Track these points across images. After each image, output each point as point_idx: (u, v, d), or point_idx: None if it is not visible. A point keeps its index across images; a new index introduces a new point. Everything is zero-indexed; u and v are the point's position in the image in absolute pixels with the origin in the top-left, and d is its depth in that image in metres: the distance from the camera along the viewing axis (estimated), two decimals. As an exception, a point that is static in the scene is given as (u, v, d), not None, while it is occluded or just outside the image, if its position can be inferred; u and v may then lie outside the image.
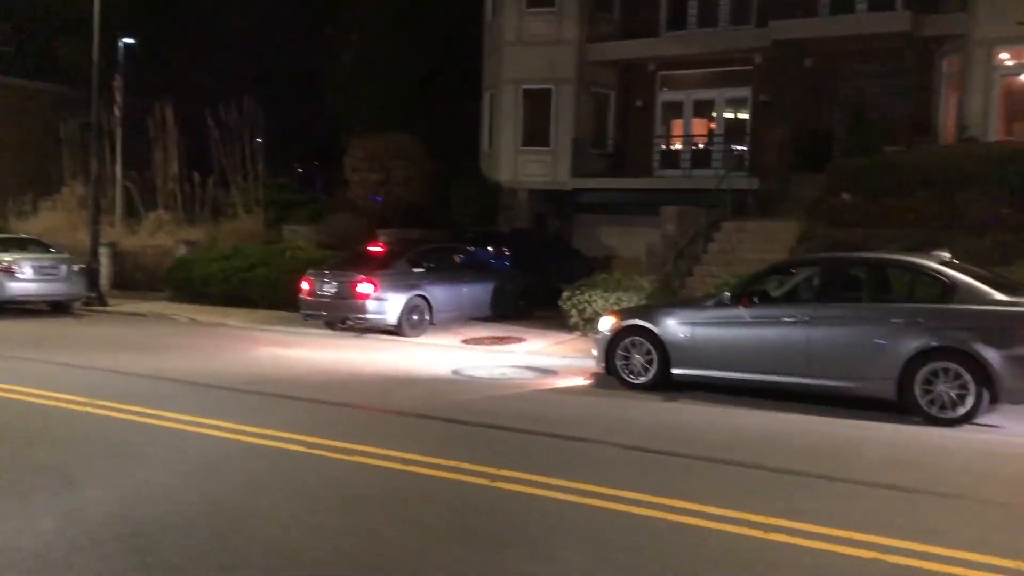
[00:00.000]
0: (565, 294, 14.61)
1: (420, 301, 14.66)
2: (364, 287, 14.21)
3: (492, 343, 13.73)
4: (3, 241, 18.01)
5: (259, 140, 23.20)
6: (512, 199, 23.44)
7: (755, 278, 10.13)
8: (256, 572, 4.51)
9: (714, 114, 23.31)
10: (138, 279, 21.61)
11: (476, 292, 15.95)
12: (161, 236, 22.56)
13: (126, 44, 24.98)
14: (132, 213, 23.95)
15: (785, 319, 9.27)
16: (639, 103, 23.66)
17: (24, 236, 19.51)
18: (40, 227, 23.36)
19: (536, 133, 23.44)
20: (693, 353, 9.71)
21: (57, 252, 18.15)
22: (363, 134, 23.23)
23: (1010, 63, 17.97)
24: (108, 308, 18.22)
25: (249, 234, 21.79)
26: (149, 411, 8.19)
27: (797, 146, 20.10)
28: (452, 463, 6.51)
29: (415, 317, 14.56)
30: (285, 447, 7.02)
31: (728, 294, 9.85)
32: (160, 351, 12.37)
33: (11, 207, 25.41)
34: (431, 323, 14.73)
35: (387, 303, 14.27)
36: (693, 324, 9.80)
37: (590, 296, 14.14)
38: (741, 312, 9.55)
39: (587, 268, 19.86)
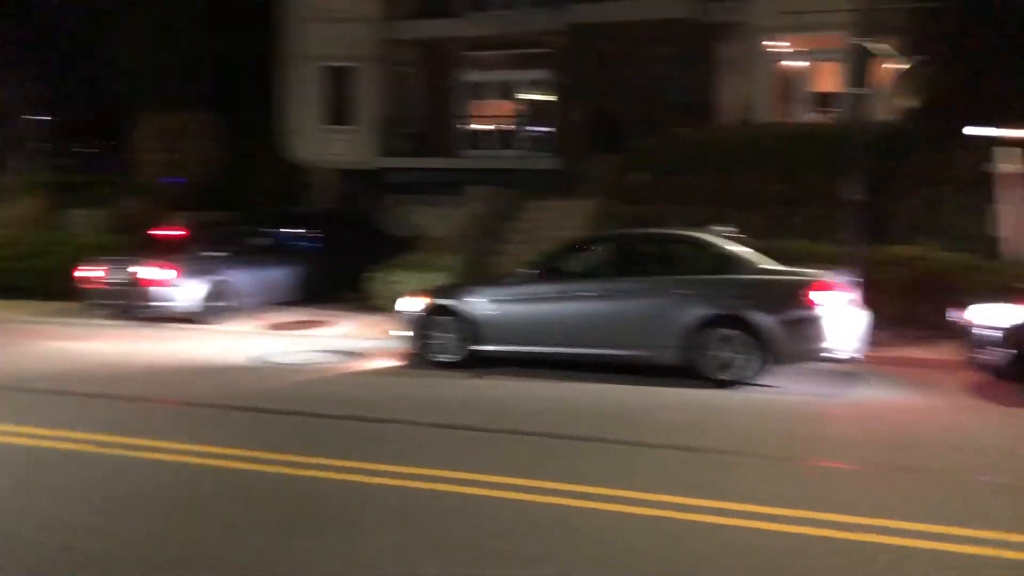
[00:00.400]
0: (373, 275, 14.53)
1: (222, 286, 14.09)
2: (160, 273, 13.49)
3: (298, 327, 13.45)
4: None
5: (35, 117, 21.37)
6: (317, 179, 22.93)
7: (554, 255, 10.50)
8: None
9: (517, 95, 23.76)
10: None
11: (281, 275, 15.50)
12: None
13: None
14: None
15: (582, 293, 9.70)
16: (443, 83, 23.74)
17: None
18: None
19: (339, 112, 23.04)
20: (497, 329, 9.96)
21: None
22: (154, 111, 21.93)
23: (783, 50, 19.46)
24: None
25: (29, 220, 20.09)
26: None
27: (595, 127, 20.88)
28: (255, 454, 6.37)
29: (217, 303, 13.97)
30: (73, 447, 6.60)
31: (529, 271, 10.17)
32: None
33: None
34: (234, 308, 14.19)
35: (185, 289, 13.61)
36: (497, 301, 10.05)
37: (398, 277, 14.13)
38: (542, 288, 9.89)
39: (395, 249, 19.80)
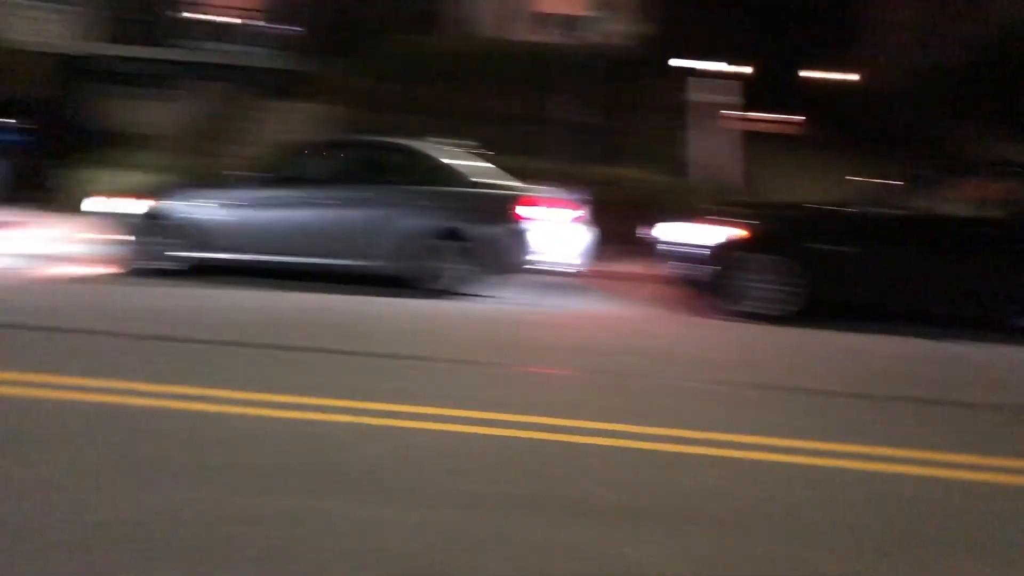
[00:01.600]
0: (71, 173, 13.14)
1: None
2: None
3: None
4: None
5: None
6: (10, 61, 20.20)
7: (273, 160, 10.03)
8: None
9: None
10: None
11: None
12: None
13: None
14: None
15: (298, 200, 9.38)
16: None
17: None
18: None
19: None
20: (219, 236, 9.42)
21: None
22: None
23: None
24: None
25: None
26: None
27: (334, 30, 20.03)
28: None
29: None
30: None
31: (246, 175, 9.66)
32: None
33: None
34: None
35: None
36: (220, 206, 9.47)
37: (98, 176, 12.90)
38: (258, 194, 9.45)
39: (95, 145, 18.02)
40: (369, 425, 5.00)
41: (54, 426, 4.79)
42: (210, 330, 7.20)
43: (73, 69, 20.96)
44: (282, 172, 9.79)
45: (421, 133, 12.29)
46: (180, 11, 21.59)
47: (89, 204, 9.93)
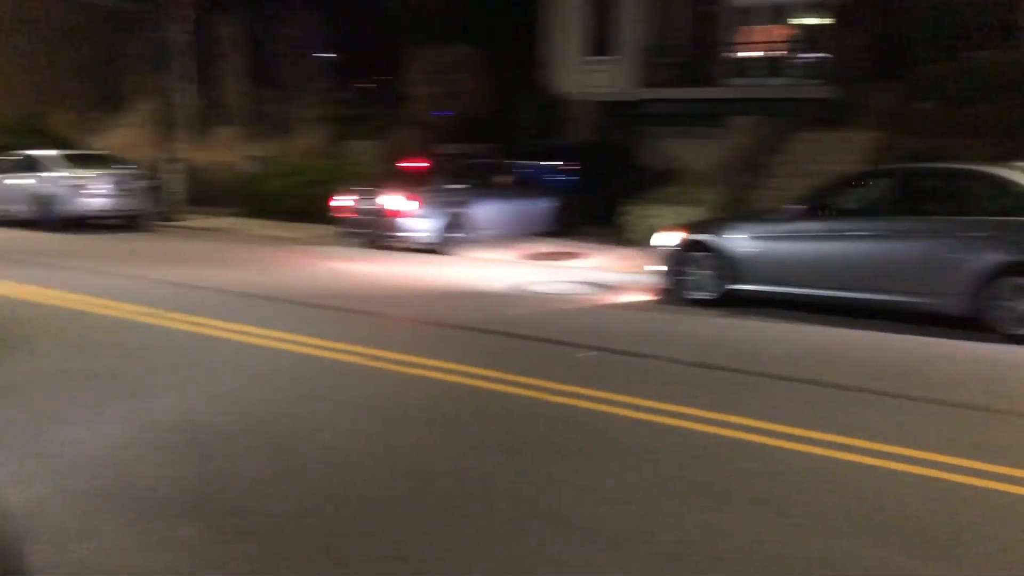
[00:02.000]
0: (627, 208, 14.37)
1: (460, 218, 14.44)
2: (402, 204, 14.02)
3: (552, 259, 13.65)
4: (80, 157, 18.46)
5: (321, 55, 23.01)
6: (575, 111, 22.99)
7: (825, 191, 9.78)
8: (313, 476, 4.62)
9: (789, 19, 22.27)
10: (208, 194, 21.97)
11: (523, 208, 15.66)
12: (230, 152, 22.81)
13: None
14: (203, 129, 24.18)
15: (854, 233, 8.97)
16: (710, 8, 22.73)
17: (99, 152, 19.94)
18: (112, 143, 23.86)
19: (601, 42, 22.80)
20: (759, 268, 9.49)
21: (131, 168, 18.53)
22: (424, 47, 22.89)
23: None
24: (180, 223, 18.63)
25: (314, 150, 21.90)
26: (214, 323, 8.39)
27: (876, 52, 19.13)
28: (509, 376, 6.54)
29: (454, 234, 14.35)
30: (344, 359, 7.13)
31: (796, 207, 9.55)
32: (228, 265, 12.62)
33: (84, 124, 25.97)
34: (472, 240, 14.55)
35: (425, 220, 14.09)
36: (759, 238, 9.55)
37: (653, 211, 13.89)
38: (809, 226, 9.26)
39: (651, 182, 19.51)
40: (947, 482, 4.53)
41: (616, 441, 5.21)
42: (755, 361, 7.24)
43: (620, 114, 23.10)
44: (831, 203, 9.50)
45: (985, 157, 11.00)
46: (722, 52, 22.44)
47: (653, 238, 10.65)
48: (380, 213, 14.29)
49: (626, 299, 10.40)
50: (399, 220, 14.10)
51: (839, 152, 15.50)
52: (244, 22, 23.96)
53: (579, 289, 10.91)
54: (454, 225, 14.29)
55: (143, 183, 17.97)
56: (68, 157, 18.21)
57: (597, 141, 22.09)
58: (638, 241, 14.14)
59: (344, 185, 15.58)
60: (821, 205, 9.42)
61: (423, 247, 14.22)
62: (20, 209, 17.46)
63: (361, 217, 14.59)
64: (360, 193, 14.69)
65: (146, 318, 8.70)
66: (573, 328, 8.48)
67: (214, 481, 4.56)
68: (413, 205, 13.99)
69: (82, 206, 16.99)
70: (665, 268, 10.21)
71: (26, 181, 17.48)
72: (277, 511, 4.20)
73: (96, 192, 17.07)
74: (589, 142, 21.33)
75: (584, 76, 22.97)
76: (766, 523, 4.09)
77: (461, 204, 14.43)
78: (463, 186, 14.77)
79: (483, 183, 15.26)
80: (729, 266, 9.64)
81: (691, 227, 10.50)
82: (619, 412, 5.74)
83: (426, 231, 14.12)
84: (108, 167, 18.14)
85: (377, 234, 14.57)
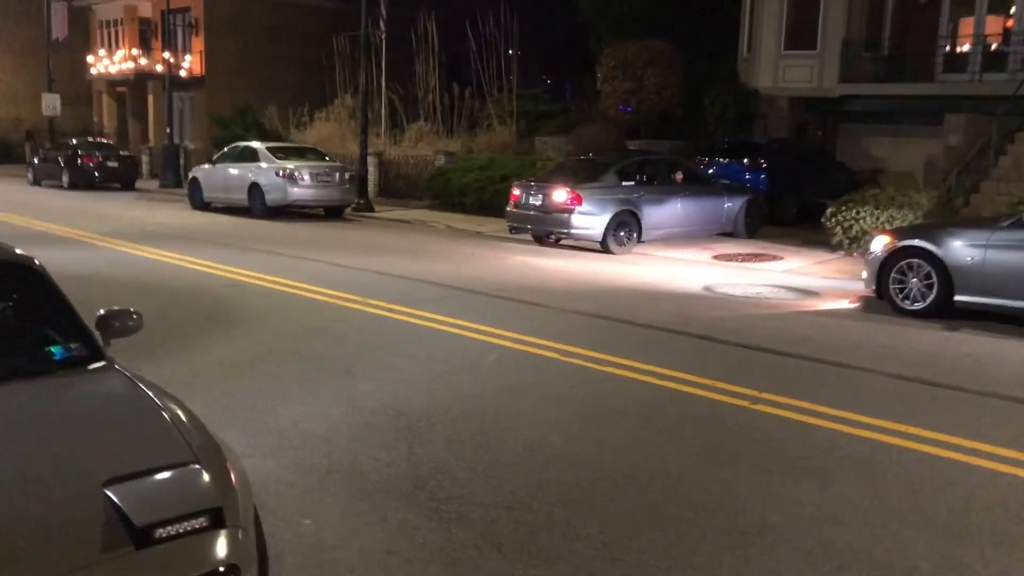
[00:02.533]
0: (829, 210, 13.64)
1: (628, 217, 13.92)
2: (568, 199, 13.71)
3: (745, 260, 13.18)
4: (285, 149, 19.63)
5: (512, 51, 23.34)
6: (770, 107, 22.14)
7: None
8: (520, 470, 4.63)
9: (1012, 9, 20.47)
10: (400, 187, 22.84)
11: (702, 207, 14.93)
12: (422, 146, 23.59)
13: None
14: (396, 124, 25.17)
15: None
16: (920, -1, 21.28)
17: (303, 145, 21.15)
18: (314, 137, 25.25)
19: (800, 35, 21.81)
20: (982, 279, 8.73)
21: (331, 160, 19.53)
22: (614, 42, 22.74)
23: None
24: (375, 214, 19.44)
25: (503, 145, 22.27)
26: (415, 312, 8.66)
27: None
28: (708, 381, 6.34)
29: (621, 233, 13.84)
30: (540, 353, 7.15)
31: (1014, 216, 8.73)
32: (422, 256, 13.00)
33: (290, 118, 27.64)
34: (639, 240, 14.05)
35: (591, 217, 13.67)
36: (984, 246, 8.77)
37: (858, 213, 13.13)
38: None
39: (852, 182, 18.50)
40: None
41: (838, 457, 4.90)
42: (980, 379, 6.65)
43: (818, 110, 22.03)
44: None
45: None
46: (933, 45, 20.91)
47: (871, 243, 9.97)
48: (546, 208, 14.07)
49: (830, 306, 9.85)
50: (563, 216, 13.79)
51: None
52: (440, 19, 24.66)
53: (777, 293, 10.45)
54: (621, 223, 13.87)
55: (344, 175, 18.87)
56: (278, 149, 19.40)
57: (791, 138, 21.19)
58: (840, 244, 13.43)
59: (519, 180, 15.64)
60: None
61: (590, 244, 14.02)
62: (238, 197, 18.77)
63: (530, 212, 14.38)
64: (531, 187, 14.53)
65: (351, 304, 9.09)
66: (777, 334, 8.11)
67: (424, 467, 4.66)
68: (580, 201, 13.66)
69: (289, 196, 18.03)
70: (875, 274, 9.59)
71: (241, 171, 18.77)
72: (487, 501, 4.24)
73: (302, 183, 18.07)
74: (782, 139, 20.48)
75: (781, 71, 22.07)
76: (1015, 564, 3.72)
77: (632, 202, 14.03)
78: (632, 183, 14.33)
79: (659, 180, 14.79)
80: (946, 275, 8.94)
81: (905, 232, 9.81)
82: (836, 427, 5.43)
83: (592, 228, 13.76)
84: (313, 159, 19.18)
85: (544, 229, 14.42)
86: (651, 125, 21.76)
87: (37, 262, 3.81)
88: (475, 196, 18.98)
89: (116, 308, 3.92)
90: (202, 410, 3.34)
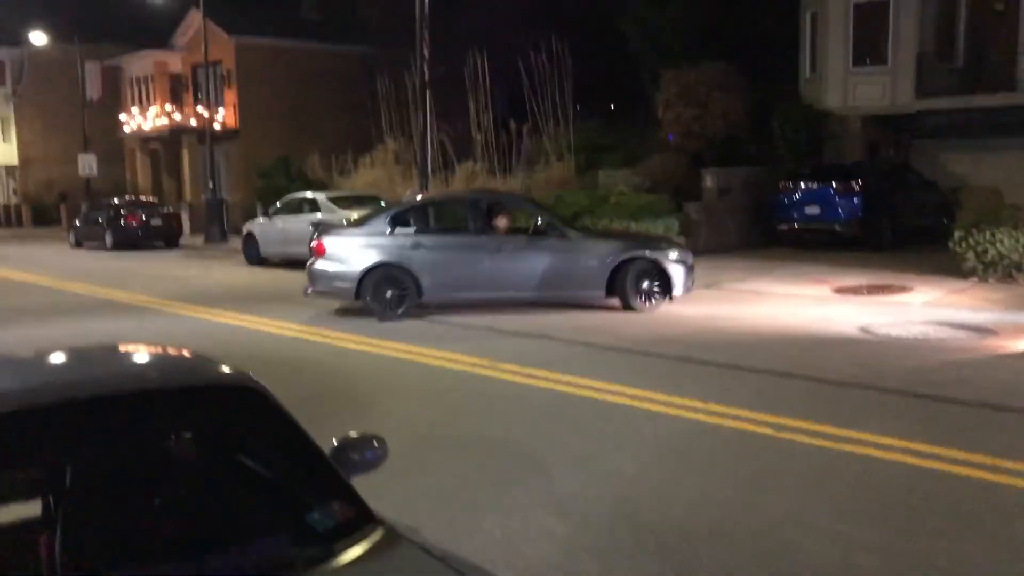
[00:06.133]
0: (958, 234, 12.54)
1: (398, 272, 11.09)
2: (313, 247, 11.37)
3: (872, 292, 12.05)
4: (344, 198, 18.76)
5: (567, 84, 22.46)
6: (840, 127, 21.11)
7: None
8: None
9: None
10: (456, 230, 21.85)
11: (525, 266, 11.14)
12: (475, 186, 22.67)
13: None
14: (446, 164, 24.27)
15: None
16: (998, 5, 20.26)
17: (362, 193, 20.26)
18: (361, 183, 24.42)
19: (869, 50, 20.84)
20: None
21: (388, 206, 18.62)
22: (668, 69, 21.81)
23: None
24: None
25: (562, 181, 21.31)
26: (560, 377, 7.59)
27: None
28: (988, 459, 5.20)
29: (388, 293, 11.02)
30: (746, 428, 6.06)
31: None
32: (520, 306, 11.91)
33: (332, 165, 26.88)
34: (419, 302, 11.17)
35: (339, 269, 11.17)
36: None
37: (993, 236, 12.01)
38: None
39: (944, 203, 17.42)
40: None
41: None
42: None
43: (891, 128, 21.01)
44: None
45: None
46: (1018, 54, 19.85)
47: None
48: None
49: (1018, 345, 8.66)
50: (311, 267, 11.54)
51: None
52: (487, 57, 23.88)
53: (948, 333, 9.25)
54: (392, 280, 11.13)
55: (408, 222, 17.92)
56: (338, 198, 18.55)
57: (882, 159, 20.14)
58: (974, 271, 12.30)
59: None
60: None
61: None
62: (299, 251, 17.84)
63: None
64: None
65: (482, 370, 8.06)
66: (991, 386, 6.98)
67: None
68: (323, 250, 11.28)
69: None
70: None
71: (301, 223, 17.88)
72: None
73: (365, 232, 17.12)
74: (872, 160, 19.42)
75: (851, 89, 21.08)
76: None
77: (402, 254, 11.12)
78: (417, 230, 11.52)
79: (466, 228, 11.69)
80: None
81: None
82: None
83: (342, 283, 11.23)
84: (370, 206, 18.27)
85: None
86: (716, 151, 20.75)
87: (255, 380, 2.81)
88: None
89: (353, 435, 2.92)
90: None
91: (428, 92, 19.48)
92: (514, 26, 27.08)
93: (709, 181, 18.80)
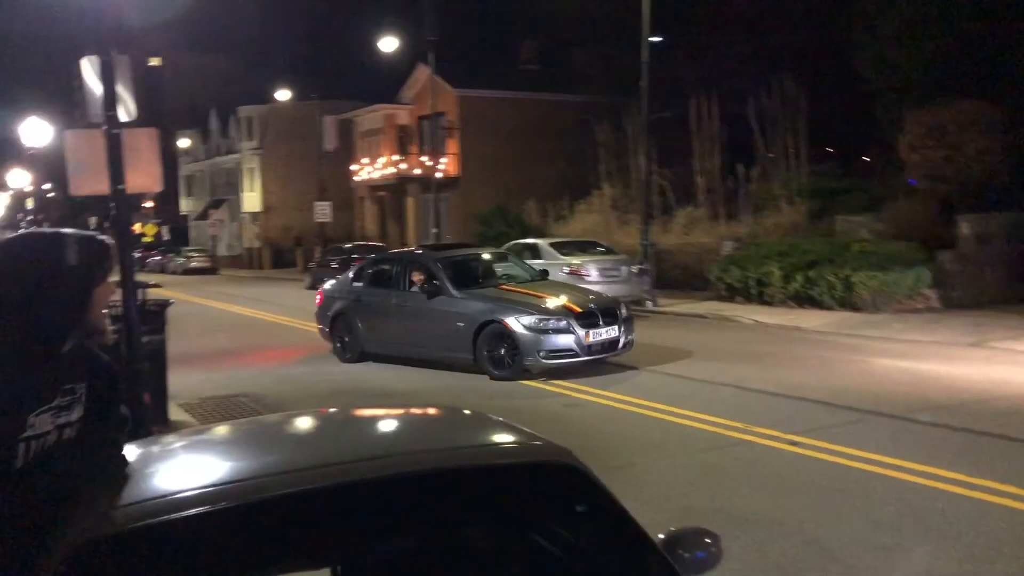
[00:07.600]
0: None
1: (351, 321, 12.37)
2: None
3: None
4: (566, 244, 18.62)
5: (799, 126, 21.36)
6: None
7: None
8: None
9: None
10: (676, 277, 21.17)
11: (424, 325, 11.28)
12: (696, 233, 21.91)
13: (654, 42, 24.82)
14: (665, 210, 23.68)
15: None
16: None
17: (584, 239, 20.05)
18: (577, 229, 24.27)
19: None
20: None
21: (615, 253, 18.28)
22: (916, 105, 20.12)
23: None
24: (660, 309, 17.85)
25: (792, 227, 20.15)
26: (833, 447, 6.77)
27: None
28: None
29: (347, 339, 12.37)
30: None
31: None
32: (763, 361, 11.07)
33: (548, 211, 27.00)
34: (361, 352, 12.23)
35: (322, 318, 12.87)
36: None
37: None
38: None
39: None
40: None
41: None
42: None
43: None
44: None
45: None
46: None
47: None
48: None
49: None
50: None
51: None
52: (711, 100, 23.22)
53: None
54: (349, 328, 12.32)
55: (631, 268, 17.52)
56: (560, 244, 18.45)
57: None
58: None
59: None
60: None
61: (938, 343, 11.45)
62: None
63: None
64: None
65: (735, 433, 7.39)
66: None
67: None
68: (321, 298, 13.15)
69: (574, 292, 16.85)
70: None
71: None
72: None
73: (588, 278, 16.85)
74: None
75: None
76: None
77: (349, 306, 12.39)
78: (364, 284, 12.53)
79: (400, 284, 11.86)
80: None
81: None
82: None
83: (323, 328, 12.92)
84: (597, 253, 18.03)
85: None
86: (972, 196, 18.83)
87: (577, 458, 2.40)
88: (779, 286, 16.91)
89: (684, 529, 2.44)
90: None
91: (648, 137, 19.12)
92: (738, 69, 26.23)
93: (966, 228, 17.04)
